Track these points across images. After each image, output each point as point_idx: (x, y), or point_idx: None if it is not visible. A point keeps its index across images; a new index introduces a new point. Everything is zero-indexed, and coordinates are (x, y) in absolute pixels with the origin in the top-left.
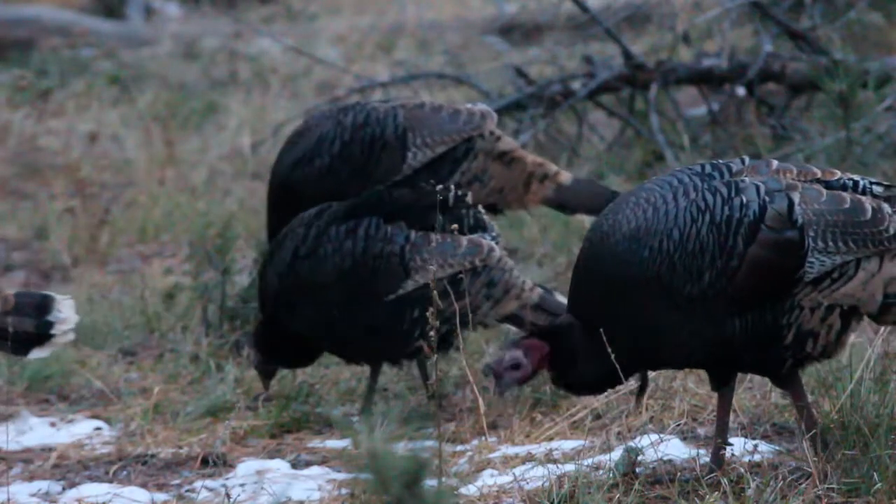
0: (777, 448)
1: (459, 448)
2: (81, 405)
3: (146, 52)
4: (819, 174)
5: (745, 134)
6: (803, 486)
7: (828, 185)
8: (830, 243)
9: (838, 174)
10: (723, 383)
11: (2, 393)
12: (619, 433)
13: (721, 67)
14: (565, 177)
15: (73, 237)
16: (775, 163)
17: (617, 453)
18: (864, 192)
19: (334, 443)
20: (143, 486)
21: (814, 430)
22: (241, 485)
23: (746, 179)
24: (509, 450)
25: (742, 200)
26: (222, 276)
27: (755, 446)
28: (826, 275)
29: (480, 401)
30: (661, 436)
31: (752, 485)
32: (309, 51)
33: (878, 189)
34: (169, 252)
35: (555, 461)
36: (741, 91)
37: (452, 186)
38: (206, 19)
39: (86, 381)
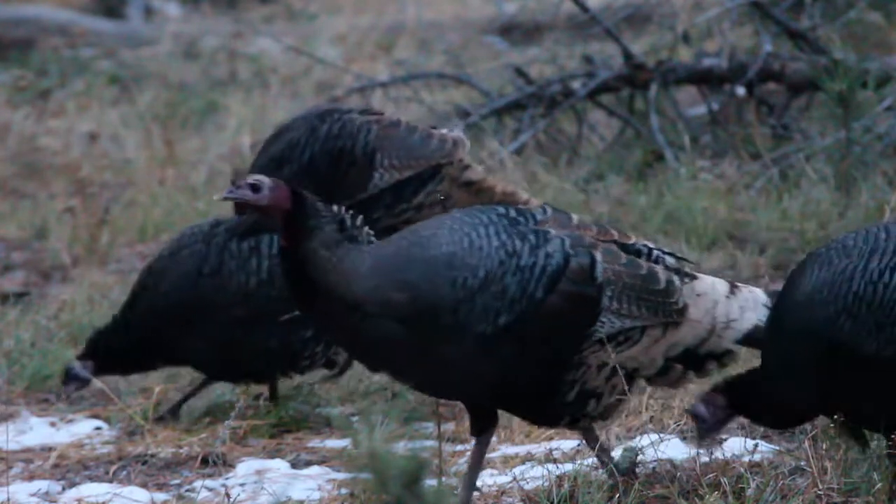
0: (777, 448)
1: (459, 448)
2: (81, 405)
3: (146, 52)
4: (615, 236)
5: (745, 134)
6: (803, 485)
7: (623, 248)
8: (625, 306)
9: (633, 239)
10: (484, 428)
11: (2, 393)
12: (619, 433)
13: (721, 67)
14: (535, 205)
15: (73, 237)
16: (576, 217)
17: (617, 453)
18: (656, 261)
19: (334, 443)
20: (143, 486)
21: (598, 447)
22: (241, 485)
23: (552, 231)
24: (509, 450)
25: (548, 250)
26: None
27: (755, 446)
28: (613, 336)
29: None
30: (661, 436)
31: (752, 485)
32: (309, 51)
33: (670, 260)
34: None
35: (555, 461)
36: (741, 91)
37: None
38: (206, 19)
39: None
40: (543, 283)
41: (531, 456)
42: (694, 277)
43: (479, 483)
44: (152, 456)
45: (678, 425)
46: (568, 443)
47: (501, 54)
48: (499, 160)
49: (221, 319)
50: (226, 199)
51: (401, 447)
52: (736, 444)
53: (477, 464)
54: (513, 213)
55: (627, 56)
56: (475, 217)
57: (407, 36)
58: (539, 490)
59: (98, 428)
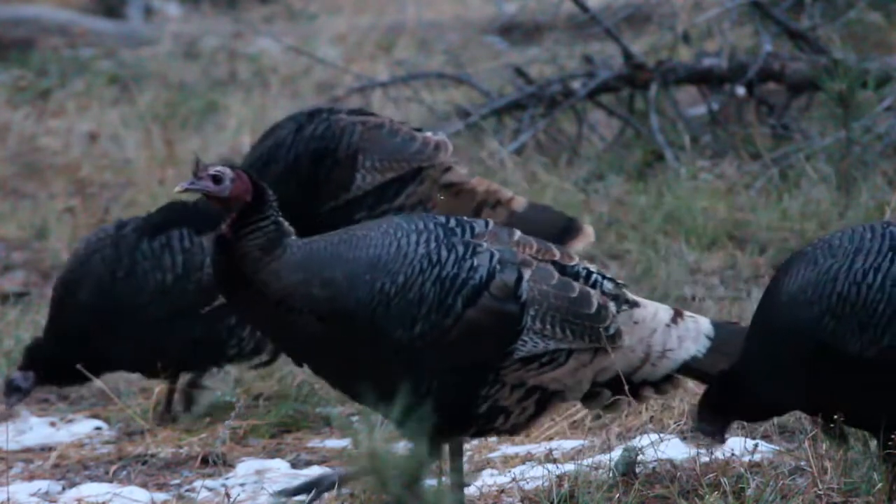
0: (777, 448)
1: None
2: (81, 405)
3: (146, 51)
4: (557, 256)
5: (745, 134)
6: (803, 485)
7: (562, 269)
8: (548, 327)
9: (575, 260)
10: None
11: (2, 393)
12: (619, 433)
13: (721, 67)
14: (519, 203)
15: (73, 237)
16: (518, 234)
17: (617, 453)
18: (594, 285)
19: (334, 443)
20: (143, 486)
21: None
22: (241, 484)
23: (484, 244)
24: (509, 449)
25: (473, 263)
26: None
27: (755, 446)
28: (537, 356)
29: None
30: (661, 436)
31: (752, 485)
32: (309, 51)
33: (608, 285)
34: None
35: (554, 461)
36: (741, 91)
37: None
38: (206, 19)
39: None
40: (463, 295)
41: (531, 456)
42: (635, 305)
43: (479, 483)
44: (152, 456)
45: (678, 425)
46: (568, 443)
47: (501, 54)
48: (499, 160)
49: (143, 319)
50: (187, 190)
51: (401, 447)
52: (736, 444)
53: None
54: (452, 223)
55: (627, 56)
56: (412, 223)
57: (407, 36)
58: (539, 490)
59: (98, 428)
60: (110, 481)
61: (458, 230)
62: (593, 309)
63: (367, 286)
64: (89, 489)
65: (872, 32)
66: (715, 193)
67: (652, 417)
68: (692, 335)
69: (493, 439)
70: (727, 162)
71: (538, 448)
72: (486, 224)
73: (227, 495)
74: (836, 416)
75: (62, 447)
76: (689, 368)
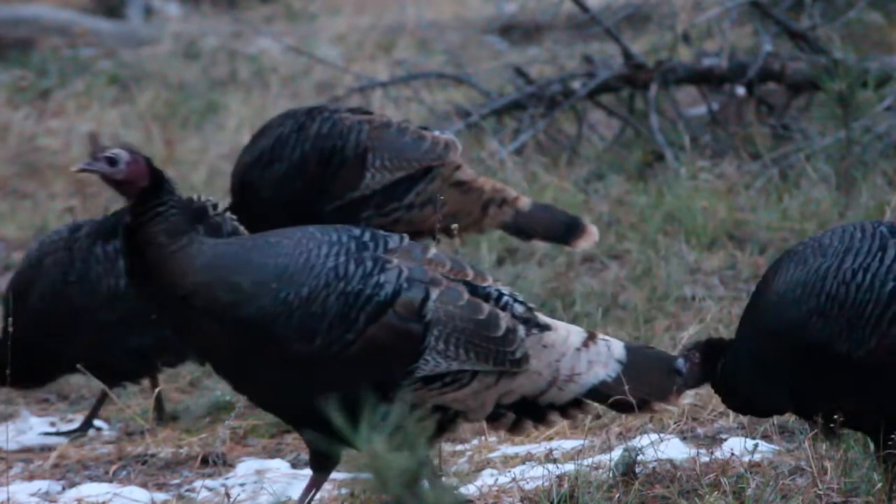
0: (777, 448)
1: (459, 448)
2: (81, 405)
3: (146, 51)
4: (470, 276)
5: (745, 134)
6: (803, 485)
7: (472, 290)
8: (452, 348)
9: (489, 281)
10: (322, 465)
11: (2, 393)
12: (619, 433)
13: (721, 67)
14: (524, 202)
15: None
16: (432, 251)
17: (617, 453)
18: (504, 308)
19: None
20: (143, 485)
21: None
22: (241, 484)
23: (395, 261)
24: (509, 450)
25: (380, 280)
26: None
27: (755, 446)
28: (439, 376)
29: None
30: (661, 436)
31: (752, 485)
32: (309, 51)
33: (519, 308)
34: None
35: (555, 461)
36: (741, 91)
37: (210, 198)
38: (206, 19)
39: (86, 380)
40: (367, 311)
41: (531, 456)
42: (546, 328)
43: (479, 483)
44: (152, 456)
45: (678, 425)
46: (568, 443)
47: (501, 54)
48: (499, 160)
49: (95, 324)
50: (82, 171)
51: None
52: (736, 444)
53: (306, 494)
54: (367, 236)
55: (627, 56)
56: (326, 235)
57: (407, 36)
58: (539, 490)
59: (98, 428)
60: (110, 481)
61: (372, 244)
62: (500, 332)
63: (272, 295)
64: (89, 489)
65: (872, 32)
66: (715, 193)
67: (652, 417)
68: (602, 359)
69: (492, 439)
70: (727, 162)
71: (538, 448)
72: (401, 239)
73: (227, 495)
74: (835, 417)
75: (62, 447)
76: (598, 393)
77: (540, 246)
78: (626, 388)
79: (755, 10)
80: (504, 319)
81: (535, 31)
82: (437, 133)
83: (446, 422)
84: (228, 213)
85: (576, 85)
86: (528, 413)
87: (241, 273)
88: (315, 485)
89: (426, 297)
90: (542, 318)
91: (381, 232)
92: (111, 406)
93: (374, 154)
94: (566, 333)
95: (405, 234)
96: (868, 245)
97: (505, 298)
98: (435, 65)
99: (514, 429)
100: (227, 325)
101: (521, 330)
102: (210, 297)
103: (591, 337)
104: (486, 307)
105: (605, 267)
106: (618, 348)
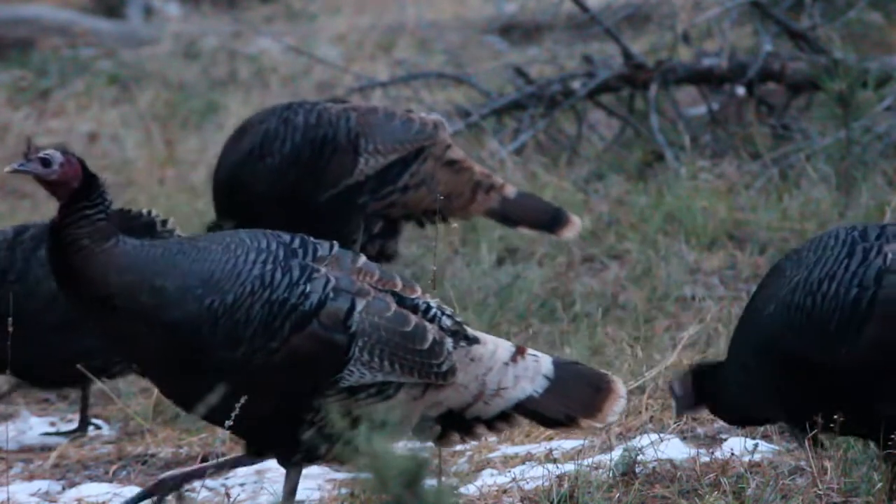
0: (777, 448)
1: (459, 448)
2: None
3: (146, 51)
4: (398, 286)
5: (745, 134)
6: (803, 485)
7: (400, 301)
8: (376, 360)
9: (418, 292)
10: (256, 453)
11: (2, 393)
12: (619, 433)
13: (721, 67)
14: (510, 190)
15: None
16: (362, 260)
17: (617, 453)
18: (432, 320)
19: None
20: (143, 486)
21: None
22: (241, 484)
23: (322, 269)
24: (509, 449)
25: (306, 289)
26: None
27: (755, 446)
28: (364, 387)
29: None
30: (661, 436)
31: (752, 485)
32: (309, 51)
33: (447, 321)
34: None
35: (555, 461)
36: (741, 91)
37: (154, 211)
38: (206, 19)
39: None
40: (292, 321)
41: (531, 456)
42: (474, 341)
43: (479, 483)
44: (152, 456)
45: (678, 425)
46: (568, 443)
47: (501, 54)
48: (499, 160)
49: (38, 326)
50: (15, 171)
51: (401, 447)
52: (736, 444)
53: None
54: (296, 243)
55: (627, 56)
56: (255, 241)
57: (407, 36)
58: (539, 490)
59: (98, 428)
60: (110, 481)
61: (301, 251)
62: (426, 345)
63: (197, 301)
64: (89, 489)
65: (872, 32)
66: (715, 193)
67: (652, 417)
68: (530, 374)
69: (492, 439)
70: (727, 162)
71: (538, 448)
72: (331, 248)
73: (227, 495)
74: (830, 424)
75: (62, 447)
76: (524, 408)
77: (540, 246)
78: (552, 404)
79: (755, 10)
80: (431, 332)
81: (535, 31)
82: (423, 115)
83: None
84: (176, 228)
85: (576, 85)
86: (454, 426)
87: (166, 276)
88: (234, 461)
89: (352, 308)
90: (471, 331)
91: (312, 239)
92: (111, 406)
93: (366, 139)
94: (494, 347)
95: (335, 242)
96: (837, 253)
97: (433, 311)
98: (435, 65)
99: (441, 441)
100: (151, 329)
101: (449, 343)
102: (132, 299)
103: (520, 352)
104: (413, 319)
105: (605, 267)
106: (546, 364)
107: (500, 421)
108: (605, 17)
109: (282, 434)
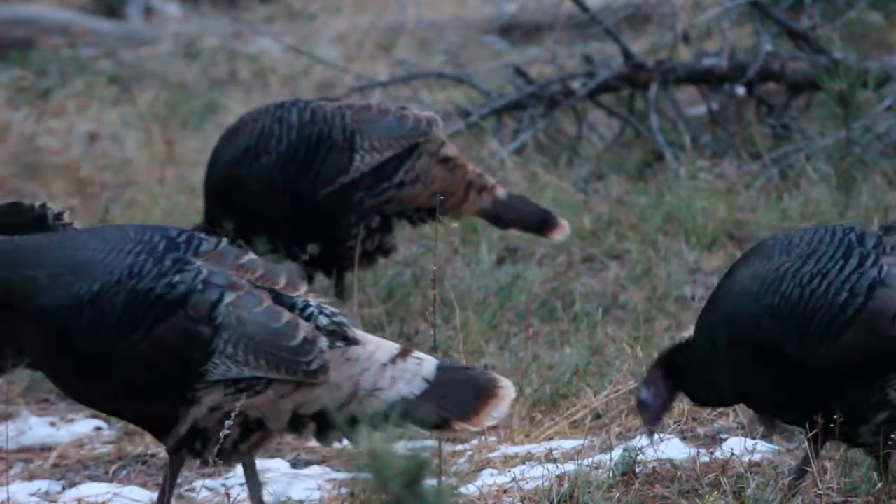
0: (777, 448)
1: (459, 448)
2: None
3: (146, 51)
4: (279, 285)
5: (745, 134)
6: (803, 485)
7: (277, 298)
8: (240, 353)
9: (300, 291)
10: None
11: (2, 393)
12: (619, 433)
13: (721, 67)
14: (501, 191)
15: None
16: (247, 257)
17: (617, 453)
18: (308, 318)
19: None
20: (143, 485)
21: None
22: (241, 484)
23: (197, 263)
24: (509, 449)
25: (173, 280)
26: None
27: (755, 446)
28: (233, 381)
29: None
30: (661, 436)
31: (752, 485)
32: (309, 50)
33: (324, 320)
34: None
35: (555, 461)
36: (741, 91)
37: (49, 204)
38: (206, 19)
39: None
40: (155, 311)
41: (531, 456)
42: (354, 342)
43: (479, 483)
44: (152, 456)
45: (678, 425)
46: (568, 443)
47: (501, 54)
48: (499, 160)
49: None
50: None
51: (401, 447)
52: (736, 444)
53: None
54: (181, 238)
55: (627, 56)
56: (139, 234)
57: (407, 36)
58: (539, 490)
59: (98, 428)
60: (110, 481)
61: (183, 246)
62: (295, 342)
63: (65, 288)
64: (89, 489)
65: (872, 32)
66: (715, 193)
67: None
68: (408, 377)
69: (492, 439)
70: (727, 162)
71: (538, 448)
72: (217, 244)
73: (227, 495)
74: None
75: (62, 447)
76: (400, 409)
77: (540, 246)
78: (427, 406)
79: (755, 10)
80: (303, 330)
81: (535, 31)
82: (416, 111)
83: (247, 429)
84: (72, 221)
85: (576, 85)
86: (332, 424)
87: (39, 265)
88: (175, 472)
89: (219, 300)
90: (353, 332)
91: (199, 235)
92: None
93: (361, 136)
94: (375, 348)
95: (224, 238)
96: (833, 251)
97: (311, 309)
98: (435, 65)
99: (321, 439)
100: (26, 318)
101: (323, 342)
102: (8, 289)
103: (403, 354)
104: (286, 316)
105: (605, 267)
106: (429, 367)
107: (377, 421)
108: (605, 17)
109: (160, 425)
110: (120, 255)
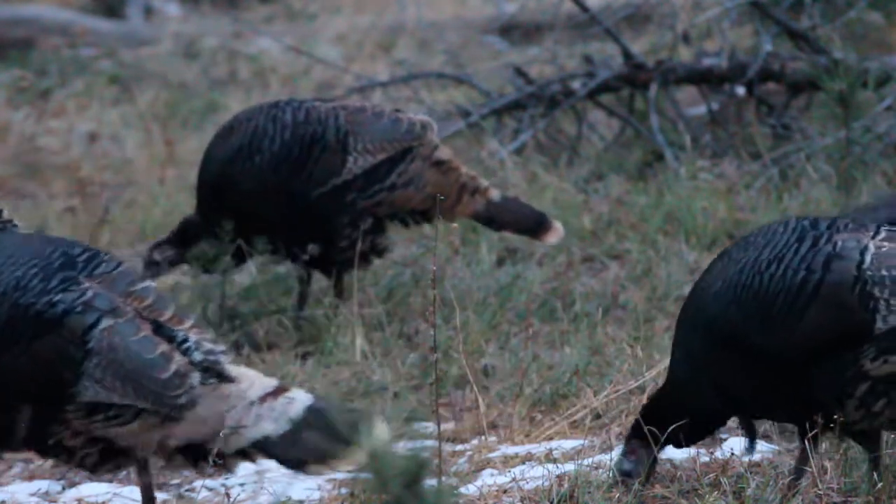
0: (777, 448)
1: (459, 448)
2: None
3: (146, 51)
4: (166, 316)
5: (745, 134)
6: (803, 485)
7: (158, 328)
8: (109, 379)
9: (186, 325)
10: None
11: None
12: (619, 433)
13: (721, 67)
14: (494, 193)
15: (72, 237)
16: (141, 285)
17: (617, 453)
18: (185, 353)
19: None
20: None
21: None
22: (241, 485)
23: (85, 284)
24: (509, 449)
25: (54, 298)
26: (222, 276)
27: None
28: (103, 407)
29: (480, 400)
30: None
31: (752, 485)
32: (309, 50)
33: (198, 356)
34: None
35: (555, 461)
36: (741, 91)
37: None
38: (206, 19)
39: None
40: (33, 327)
41: (531, 456)
42: (228, 379)
43: (479, 483)
44: None
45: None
46: (568, 443)
47: (501, 54)
48: (499, 160)
49: None
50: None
51: (401, 447)
52: (736, 444)
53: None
54: (83, 256)
55: (627, 56)
56: (43, 247)
57: (407, 36)
58: (539, 490)
59: None
60: (110, 481)
61: (80, 265)
62: (164, 375)
63: None
64: (89, 489)
65: (872, 32)
66: (715, 193)
67: None
68: (274, 416)
69: (492, 439)
70: (727, 162)
71: (538, 448)
72: (116, 266)
73: (227, 495)
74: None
75: None
76: (261, 447)
77: (540, 246)
78: (287, 447)
79: (755, 10)
80: (175, 363)
81: (535, 31)
82: (410, 115)
83: (110, 454)
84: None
85: (576, 85)
86: (200, 456)
87: None
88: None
89: (94, 324)
90: (230, 369)
91: (104, 254)
92: None
93: (355, 138)
94: (248, 386)
95: (123, 262)
96: (787, 238)
97: (188, 344)
98: (435, 64)
99: (194, 468)
100: None
101: (196, 377)
102: None
103: (277, 392)
104: (162, 348)
105: (605, 267)
106: (297, 408)
107: (241, 457)
108: (605, 17)
109: (31, 440)
110: (13, 266)
